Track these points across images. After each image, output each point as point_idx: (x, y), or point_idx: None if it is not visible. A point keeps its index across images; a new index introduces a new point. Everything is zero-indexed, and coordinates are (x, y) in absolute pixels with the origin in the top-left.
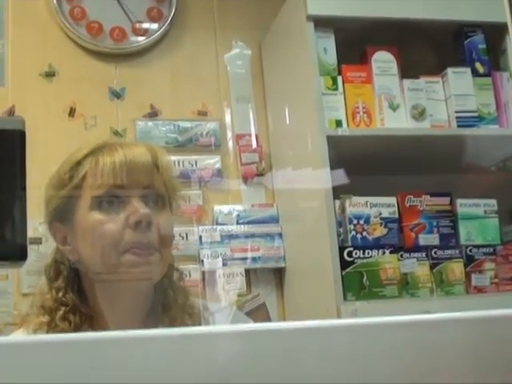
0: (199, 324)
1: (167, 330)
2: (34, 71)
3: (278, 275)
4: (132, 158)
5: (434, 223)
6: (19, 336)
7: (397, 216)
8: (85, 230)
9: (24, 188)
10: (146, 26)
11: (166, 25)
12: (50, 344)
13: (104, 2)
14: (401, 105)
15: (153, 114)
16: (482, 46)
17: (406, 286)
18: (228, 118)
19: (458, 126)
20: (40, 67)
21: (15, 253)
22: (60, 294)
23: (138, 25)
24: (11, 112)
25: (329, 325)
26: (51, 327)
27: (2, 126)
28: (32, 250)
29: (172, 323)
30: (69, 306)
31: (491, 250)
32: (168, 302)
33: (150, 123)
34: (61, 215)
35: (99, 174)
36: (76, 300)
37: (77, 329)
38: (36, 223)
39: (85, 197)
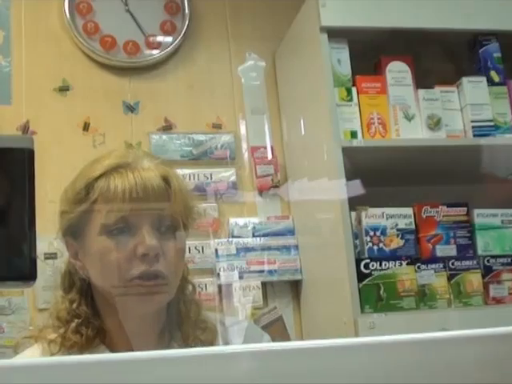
0: (213, 338)
1: (178, 350)
2: (47, 86)
3: (295, 288)
4: (142, 184)
5: (451, 234)
6: (29, 358)
7: (413, 227)
8: (93, 253)
9: (33, 207)
10: (159, 39)
11: (179, 38)
12: (62, 366)
13: (117, 16)
14: (416, 115)
15: (167, 128)
16: (497, 54)
17: (424, 297)
18: (243, 130)
19: (474, 136)
20: (54, 82)
21: (24, 273)
22: (74, 306)
23: (151, 38)
24: (25, 127)
25: (346, 343)
26: (65, 340)
27: (10, 145)
28: (47, 265)
29: (185, 338)
30: (81, 318)
31: (509, 260)
32: (180, 317)
33: (164, 136)
34: (73, 231)
35: (109, 200)
36: (89, 313)
37: (89, 342)
38: (51, 238)
39: (95, 220)
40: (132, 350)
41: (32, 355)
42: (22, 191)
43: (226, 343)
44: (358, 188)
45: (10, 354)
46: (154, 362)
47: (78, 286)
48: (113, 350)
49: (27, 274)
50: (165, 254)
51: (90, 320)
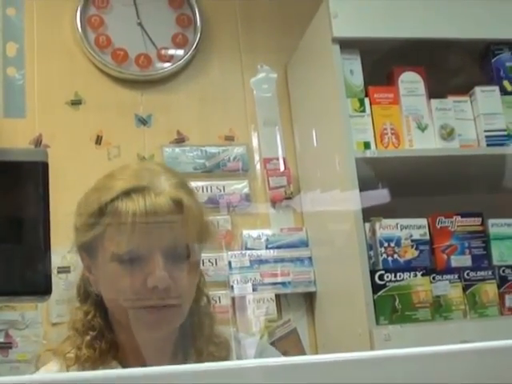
0: (227, 354)
1: (190, 365)
2: (60, 100)
3: (309, 300)
4: (153, 212)
5: (466, 244)
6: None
7: (428, 238)
8: (104, 278)
9: (47, 220)
10: (171, 52)
11: (191, 51)
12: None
13: (129, 30)
14: (429, 125)
15: (180, 140)
16: (510, 63)
17: (439, 308)
18: (255, 142)
19: (488, 146)
20: (66, 96)
21: (39, 287)
22: (89, 317)
23: (163, 51)
24: (38, 141)
25: (361, 357)
26: (80, 354)
27: (24, 158)
28: (61, 279)
29: (199, 354)
30: (96, 331)
31: None
32: (194, 332)
33: (177, 149)
34: (86, 249)
35: (120, 228)
36: (103, 325)
37: (102, 356)
38: (64, 252)
39: (107, 246)
40: (145, 365)
41: (51, 370)
42: (37, 205)
43: (239, 359)
44: (371, 199)
45: (24, 368)
46: (166, 377)
47: (93, 298)
48: (125, 366)
49: (42, 289)
50: (176, 280)
51: (103, 333)
